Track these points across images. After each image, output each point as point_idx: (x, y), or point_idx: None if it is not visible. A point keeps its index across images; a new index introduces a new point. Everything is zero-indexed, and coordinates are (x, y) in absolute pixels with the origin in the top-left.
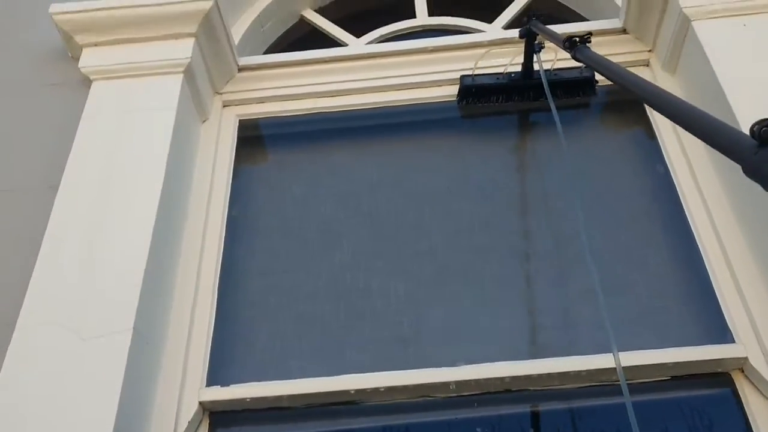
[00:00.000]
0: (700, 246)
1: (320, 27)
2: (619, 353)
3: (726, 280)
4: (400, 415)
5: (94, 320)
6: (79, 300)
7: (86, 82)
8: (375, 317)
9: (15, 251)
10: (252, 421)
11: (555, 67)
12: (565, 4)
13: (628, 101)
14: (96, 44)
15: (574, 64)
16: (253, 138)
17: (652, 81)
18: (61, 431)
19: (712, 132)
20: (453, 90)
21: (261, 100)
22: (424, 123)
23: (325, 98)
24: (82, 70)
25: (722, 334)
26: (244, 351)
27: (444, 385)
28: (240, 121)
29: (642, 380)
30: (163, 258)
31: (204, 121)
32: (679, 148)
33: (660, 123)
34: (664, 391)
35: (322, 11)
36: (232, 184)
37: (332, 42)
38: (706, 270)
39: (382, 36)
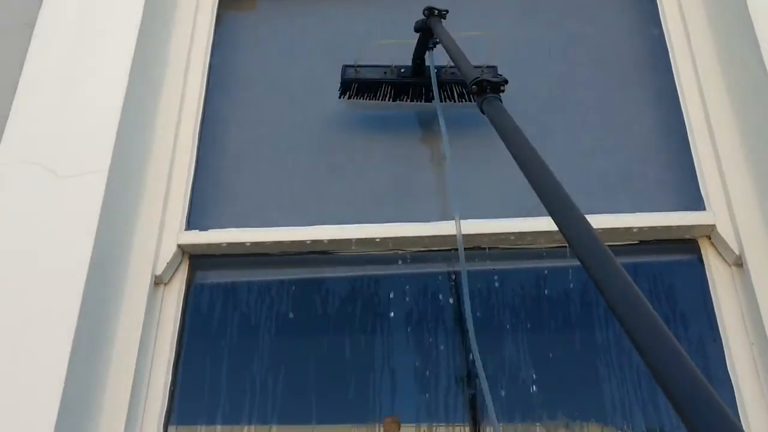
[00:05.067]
0: (685, 114)
1: None
2: (597, 215)
3: (707, 150)
4: (371, 267)
5: (70, 159)
6: (56, 139)
7: None
8: (356, 173)
9: None
10: (230, 266)
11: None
12: None
13: None
14: None
15: None
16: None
17: None
18: (38, 262)
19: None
20: None
21: None
22: None
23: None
24: None
25: (695, 203)
26: (224, 199)
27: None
28: None
29: (612, 243)
30: (141, 101)
31: None
32: (678, 10)
33: None
34: (632, 255)
35: None
36: (215, 30)
37: None
38: (688, 138)
39: None
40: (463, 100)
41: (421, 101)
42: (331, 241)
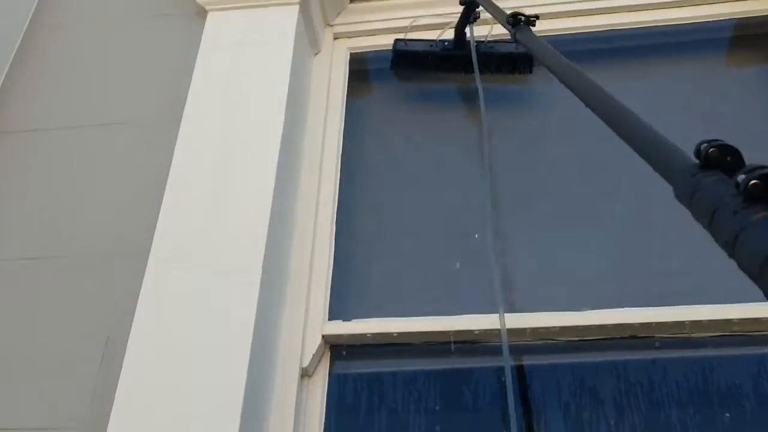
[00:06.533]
0: None
1: None
2: None
3: None
4: (521, 356)
5: (224, 257)
6: (209, 237)
7: (201, 13)
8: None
9: (139, 184)
10: (371, 356)
11: (491, 38)
12: None
13: None
14: None
15: None
16: (365, 71)
17: None
18: (197, 366)
19: (649, 142)
20: None
21: (372, 33)
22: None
23: (437, 30)
24: (198, 0)
25: None
26: (362, 287)
27: (569, 329)
28: (351, 53)
29: None
30: (285, 195)
31: (316, 54)
32: None
33: None
34: None
35: None
36: (345, 119)
37: None
38: None
39: None
40: (502, 71)
41: (462, 73)
42: (481, 332)
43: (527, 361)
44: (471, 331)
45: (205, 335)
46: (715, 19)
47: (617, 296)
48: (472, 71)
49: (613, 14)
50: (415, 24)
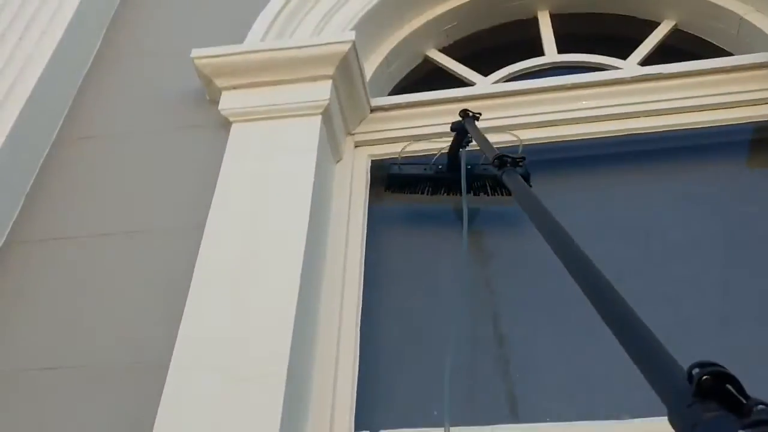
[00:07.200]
0: None
1: (445, 66)
2: None
3: None
4: None
5: (247, 364)
6: (232, 342)
7: (225, 124)
8: (521, 368)
9: (162, 291)
10: None
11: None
12: (707, 39)
13: None
14: (235, 87)
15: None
16: (385, 177)
17: None
18: None
19: (645, 347)
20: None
21: (393, 140)
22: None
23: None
24: (222, 112)
25: None
26: (388, 397)
27: None
28: (372, 161)
29: None
30: (309, 301)
31: (338, 162)
32: None
33: None
34: None
35: (445, 50)
36: (367, 225)
37: (457, 81)
38: None
39: (510, 74)
40: (496, 194)
41: (455, 195)
42: None
43: None
44: None
45: None
46: (736, 123)
47: None
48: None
49: (632, 120)
50: (413, 143)
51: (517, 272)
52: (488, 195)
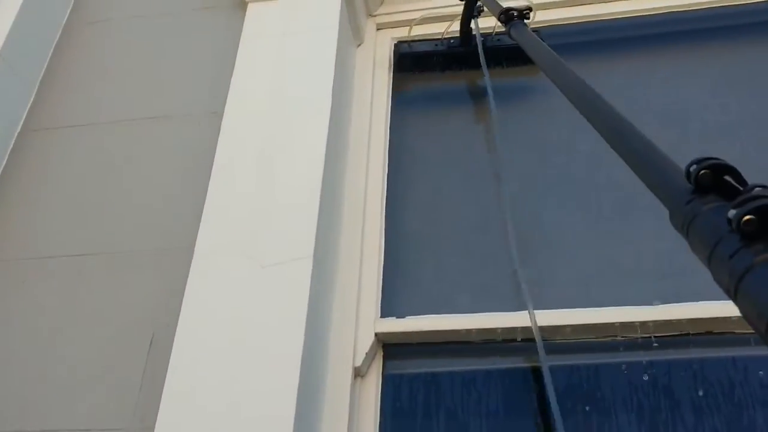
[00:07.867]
0: None
1: None
2: None
3: None
4: (586, 355)
5: (272, 247)
6: (256, 227)
7: (241, 4)
8: (553, 253)
9: (183, 178)
10: (425, 355)
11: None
12: None
13: None
14: None
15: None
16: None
17: None
18: (246, 364)
19: (643, 156)
20: None
21: (416, 22)
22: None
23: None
24: None
25: None
26: (414, 283)
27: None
28: (395, 44)
29: None
30: (332, 186)
31: (359, 45)
32: None
33: None
34: None
35: None
36: (391, 110)
37: None
38: None
39: None
40: (512, 65)
41: (471, 69)
42: (542, 328)
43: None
44: (529, 329)
45: (254, 331)
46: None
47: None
48: (480, 67)
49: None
50: (424, 23)
51: (546, 150)
52: (504, 68)
